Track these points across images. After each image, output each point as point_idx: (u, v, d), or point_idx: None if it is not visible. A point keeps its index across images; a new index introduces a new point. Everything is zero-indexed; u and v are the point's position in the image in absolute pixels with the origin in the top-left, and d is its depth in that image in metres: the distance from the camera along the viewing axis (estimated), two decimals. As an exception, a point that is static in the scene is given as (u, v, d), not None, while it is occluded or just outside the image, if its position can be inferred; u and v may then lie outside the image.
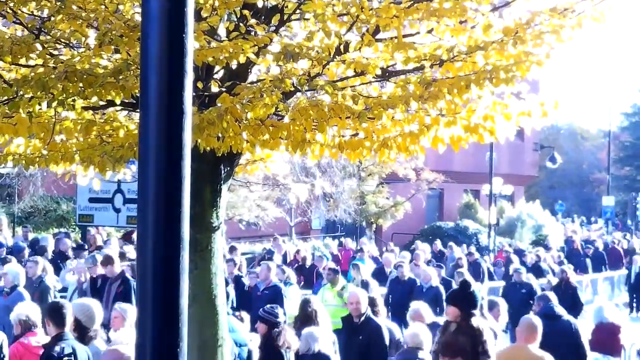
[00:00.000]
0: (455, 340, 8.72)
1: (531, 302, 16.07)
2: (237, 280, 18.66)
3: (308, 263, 24.15)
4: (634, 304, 29.70)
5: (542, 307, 13.04)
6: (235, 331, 10.72)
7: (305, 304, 11.89)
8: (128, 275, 14.92)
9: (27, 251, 19.86)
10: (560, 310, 12.84)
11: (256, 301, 16.24)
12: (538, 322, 10.24)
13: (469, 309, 9.08)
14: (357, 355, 11.48)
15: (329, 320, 11.98)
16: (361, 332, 11.60)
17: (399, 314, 18.64)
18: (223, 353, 8.35)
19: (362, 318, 11.73)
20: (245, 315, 12.51)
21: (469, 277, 15.64)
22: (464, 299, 9.22)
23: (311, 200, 35.29)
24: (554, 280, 22.63)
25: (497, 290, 23.47)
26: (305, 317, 11.48)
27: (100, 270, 15.22)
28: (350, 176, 38.50)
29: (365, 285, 19.47)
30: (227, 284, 16.47)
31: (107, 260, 15.07)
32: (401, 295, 19.35)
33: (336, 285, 16.96)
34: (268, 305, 11.78)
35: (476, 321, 9.06)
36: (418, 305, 12.50)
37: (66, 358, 8.40)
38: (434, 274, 19.82)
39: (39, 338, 9.18)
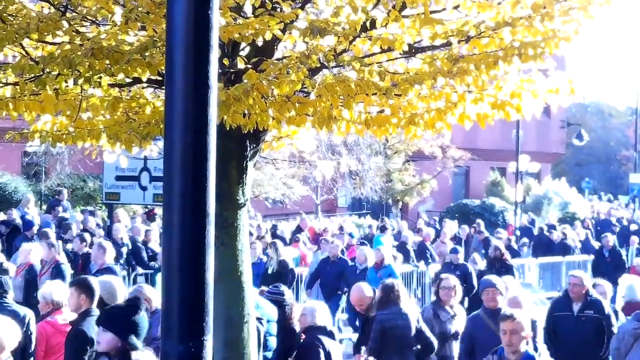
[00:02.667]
0: None
1: (464, 284, 14.82)
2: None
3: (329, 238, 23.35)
4: None
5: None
6: (261, 307, 10.72)
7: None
8: None
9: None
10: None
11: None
12: None
13: (128, 337, 6.36)
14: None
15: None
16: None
17: (327, 295, 18.23)
18: (249, 330, 8.37)
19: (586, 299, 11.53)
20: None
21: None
22: (123, 324, 6.45)
23: (337, 178, 35.31)
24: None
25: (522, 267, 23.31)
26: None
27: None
28: (377, 154, 38.50)
29: (283, 265, 18.09)
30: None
31: None
32: (330, 276, 18.66)
33: None
34: (272, 285, 11.61)
35: (137, 355, 6.33)
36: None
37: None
38: (370, 254, 18.25)
39: (65, 316, 9.22)
